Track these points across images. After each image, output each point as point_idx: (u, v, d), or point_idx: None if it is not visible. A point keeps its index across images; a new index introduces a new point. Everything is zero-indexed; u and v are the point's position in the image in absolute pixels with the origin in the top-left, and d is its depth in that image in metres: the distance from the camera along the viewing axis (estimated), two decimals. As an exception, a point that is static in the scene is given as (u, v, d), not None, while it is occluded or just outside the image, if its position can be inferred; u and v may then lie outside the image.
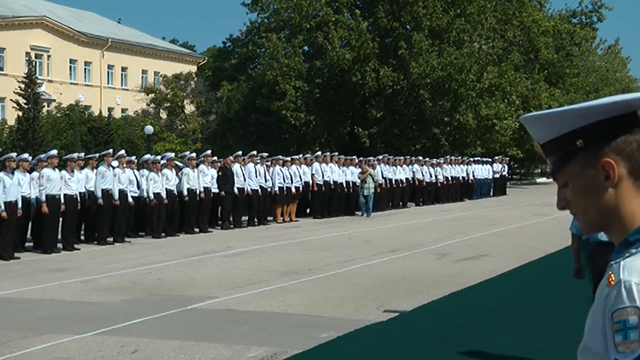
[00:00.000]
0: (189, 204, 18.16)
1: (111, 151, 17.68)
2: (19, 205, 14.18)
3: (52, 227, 14.98)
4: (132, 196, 16.94)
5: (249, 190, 20.02)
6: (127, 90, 52.85)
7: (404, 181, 27.28)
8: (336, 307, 9.06)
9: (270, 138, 34.61)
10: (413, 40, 33.74)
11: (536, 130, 1.53)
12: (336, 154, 24.96)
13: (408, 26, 36.12)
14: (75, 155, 16.56)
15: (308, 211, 23.18)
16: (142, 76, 55.88)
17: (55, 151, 15.87)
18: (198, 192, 18.41)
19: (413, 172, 28.16)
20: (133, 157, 18.08)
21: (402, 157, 28.30)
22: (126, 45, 55.32)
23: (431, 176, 29.13)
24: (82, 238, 16.41)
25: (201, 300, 9.47)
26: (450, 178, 30.61)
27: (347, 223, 20.77)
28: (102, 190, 16.02)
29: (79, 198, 15.70)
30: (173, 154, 19.66)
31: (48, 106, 41.60)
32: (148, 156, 19.89)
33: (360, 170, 23.97)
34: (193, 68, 54.36)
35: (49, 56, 49.88)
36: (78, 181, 15.72)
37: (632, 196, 1.44)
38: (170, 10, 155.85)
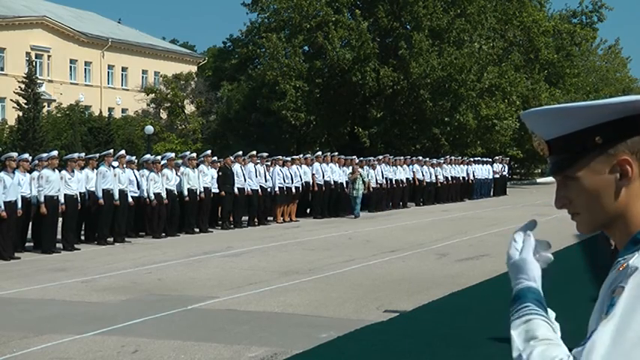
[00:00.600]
0: (189, 204, 18.17)
1: (111, 151, 17.68)
2: (19, 205, 14.19)
3: (51, 228, 14.99)
4: (132, 196, 16.94)
5: (249, 190, 20.02)
6: (127, 90, 52.86)
7: (404, 181, 27.28)
8: (336, 307, 9.06)
9: (270, 138, 34.62)
10: (413, 40, 33.74)
11: (545, 126, 1.50)
12: (336, 154, 24.97)
13: (408, 26, 36.12)
14: (75, 155, 16.56)
15: (308, 211, 23.18)
16: (142, 76, 55.89)
17: (55, 152, 15.87)
18: (198, 192, 18.42)
19: (413, 172, 28.17)
20: (133, 157, 18.09)
21: (402, 157, 28.31)
22: (126, 45, 55.32)
23: (431, 176, 29.13)
24: (83, 238, 16.41)
25: (201, 300, 9.47)
26: (450, 178, 30.61)
27: (347, 223, 20.77)
28: (102, 190, 16.03)
29: (79, 198, 15.71)
30: (173, 154, 19.66)
31: (48, 106, 41.59)
32: (147, 156, 19.90)
33: (350, 171, 23.65)
34: (193, 68, 54.36)
35: (49, 56, 49.88)
36: (78, 181, 15.73)
37: (639, 196, 1.43)
38: (170, 10, 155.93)
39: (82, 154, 17.28)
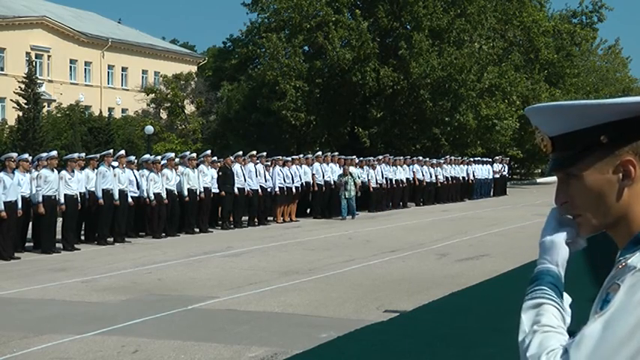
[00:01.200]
0: (189, 204, 18.17)
1: (111, 151, 17.68)
2: (20, 205, 14.19)
3: (51, 228, 14.99)
4: (132, 196, 16.94)
5: (249, 190, 20.03)
6: (127, 90, 52.87)
7: (404, 181, 27.28)
8: (336, 307, 9.06)
9: (270, 138, 34.61)
10: (413, 40, 33.74)
11: (550, 122, 1.49)
12: (336, 154, 24.95)
13: (408, 26, 36.11)
14: (75, 155, 16.56)
15: (308, 211, 23.18)
16: (142, 76, 55.90)
17: (55, 152, 15.87)
18: (198, 192, 18.42)
19: (413, 172, 28.17)
20: (133, 157, 18.08)
21: (402, 157, 28.30)
22: (126, 45, 55.33)
23: (431, 176, 29.13)
24: (83, 238, 16.41)
25: (201, 300, 9.48)
26: (450, 178, 30.60)
27: (347, 223, 20.77)
28: (102, 190, 16.03)
29: (79, 198, 15.71)
30: (173, 154, 19.65)
31: (48, 106, 41.61)
32: (147, 156, 19.90)
33: (341, 171, 23.05)
34: (193, 68, 54.37)
35: (49, 56, 49.89)
36: (78, 181, 15.73)
37: None
38: (170, 10, 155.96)
39: (82, 154, 17.28)
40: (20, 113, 30.94)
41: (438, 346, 7.09)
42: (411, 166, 28.23)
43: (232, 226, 19.57)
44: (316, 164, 23.01)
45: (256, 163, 20.67)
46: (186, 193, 18.11)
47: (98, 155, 17.41)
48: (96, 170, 16.23)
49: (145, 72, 56.50)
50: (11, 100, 33.89)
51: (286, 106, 33.66)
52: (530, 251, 14.05)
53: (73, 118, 35.11)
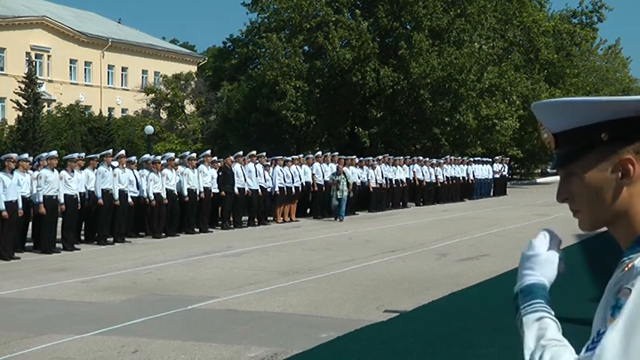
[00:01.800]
0: (189, 204, 18.17)
1: (111, 151, 17.68)
2: (20, 205, 14.19)
3: (51, 228, 14.98)
4: (132, 197, 16.94)
5: (249, 190, 20.02)
6: (127, 90, 52.86)
7: (404, 181, 27.28)
8: (336, 307, 9.06)
9: (270, 138, 34.61)
10: (413, 40, 33.74)
11: (554, 118, 1.48)
12: (336, 154, 24.94)
13: (408, 26, 36.11)
14: (75, 155, 16.55)
15: (308, 211, 23.17)
16: (142, 76, 55.90)
17: (55, 152, 15.86)
18: (198, 192, 18.42)
19: (413, 172, 28.17)
20: (133, 157, 18.08)
21: (402, 157, 28.30)
22: (126, 45, 55.33)
23: (431, 176, 29.13)
24: (82, 238, 16.41)
25: (201, 300, 9.47)
26: (450, 178, 30.61)
27: (347, 223, 20.76)
28: (102, 190, 16.03)
29: (79, 198, 15.70)
30: (173, 154, 19.65)
31: (48, 106, 41.59)
32: (147, 156, 19.89)
33: (334, 171, 22.47)
34: (193, 68, 54.36)
35: (49, 56, 49.88)
36: (78, 181, 15.72)
37: None
38: (170, 10, 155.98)
39: (82, 154, 17.27)
40: (20, 113, 30.93)
41: (438, 346, 7.09)
42: (411, 166, 28.24)
43: (232, 226, 19.57)
44: (316, 164, 23.00)
45: (256, 163, 20.67)
46: (186, 193, 18.10)
47: (98, 155, 17.40)
48: (95, 170, 16.23)
49: (144, 72, 56.49)
50: (11, 100, 33.88)
51: (286, 106, 33.66)
52: (530, 251, 14.06)
53: (73, 118, 35.10)
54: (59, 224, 15.34)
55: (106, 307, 9.16)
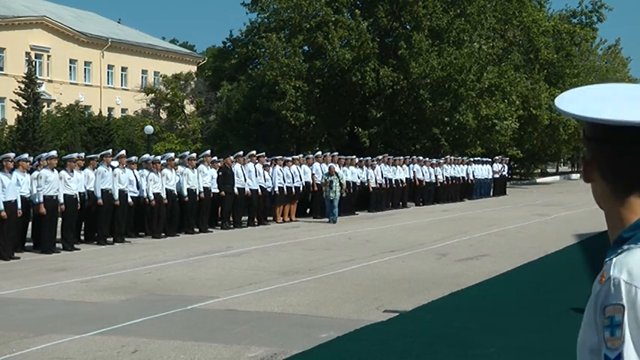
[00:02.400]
0: (189, 204, 18.17)
1: (110, 151, 17.67)
2: (19, 205, 14.18)
3: (51, 228, 14.98)
4: (132, 197, 16.93)
5: (249, 190, 20.01)
6: (127, 90, 52.85)
7: (404, 181, 27.28)
8: (336, 307, 9.06)
9: (270, 138, 34.59)
10: (413, 40, 33.73)
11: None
12: (336, 154, 24.93)
13: (408, 26, 36.10)
14: (74, 155, 16.54)
15: (308, 211, 23.16)
16: (142, 76, 55.89)
17: (54, 152, 15.85)
18: (197, 192, 18.42)
19: (413, 172, 28.17)
20: (133, 157, 18.07)
21: (401, 157, 28.30)
22: (126, 45, 55.32)
23: (431, 176, 29.13)
24: (82, 238, 16.41)
25: (201, 300, 9.47)
26: (450, 178, 30.62)
27: (347, 223, 20.75)
28: (101, 190, 16.02)
29: (78, 198, 15.69)
30: (173, 154, 19.65)
31: (48, 106, 41.57)
32: (147, 156, 19.88)
33: (327, 171, 21.94)
34: (193, 68, 54.36)
35: (48, 56, 49.88)
36: (78, 181, 15.72)
37: (622, 198, 1.44)
38: (170, 10, 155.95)
39: (82, 154, 17.26)
40: (20, 113, 30.93)
41: (437, 346, 7.09)
42: (410, 166, 28.23)
43: (232, 226, 19.56)
44: (316, 164, 22.99)
45: (256, 163, 20.66)
46: (185, 193, 18.10)
47: (98, 155, 17.40)
48: (95, 170, 16.22)
49: (144, 72, 56.50)
50: (11, 100, 33.88)
51: (286, 106, 33.65)
52: (529, 251, 14.07)
53: (73, 118, 35.10)
54: (59, 224, 15.34)
55: (106, 307, 9.16)
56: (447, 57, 33.50)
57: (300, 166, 22.47)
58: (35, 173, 14.83)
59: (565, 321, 7.48)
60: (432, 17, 34.51)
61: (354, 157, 25.50)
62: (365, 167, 25.20)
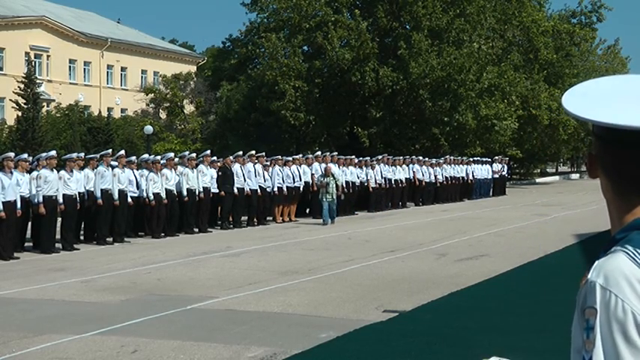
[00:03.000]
0: (188, 204, 18.16)
1: (110, 151, 17.67)
2: (19, 205, 14.18)
3: (51, 228, 14.98)
4: (131, 196, 16.93)
5: (248, 190, 20.01)
6: (127, 90, 52.86)
7: (403, 181, 27.28)
8: (335, 307, 9.06)
9: (270, 138, 34.59)
10: (412, 40, 33.72)
11: None
12: (336, 154, 24.93)
13: (407, 26, 36.10)
14: (74, 155, 16.54)
15: (308, 211, 23.16)
16: (142, 76, 55.89)
17: (54, 152, 15.85)
18: (197, 192, 18.41)
19: (413, 172, 28.17)
20: (133, 157, 18.07)
21: (401, 157, 28.30)
22: (125, 45, 55.31)
23: (430, 176, 29.13)
24: (82, 238, 16.40)
25: (200, 300, 9.47)
26: (449, 178, 30.62)
27: (347, 223, 20.75)
28: (101, 190, 16.02)
29: (78, 198, 15.69)
30: (172, 154, 19.64)
31: (47, 106, 41.57)
32: (146, 156, 19.88)
33: (323, 172, 21.53)
34: (193, 68, 54.37)
35: (48, 56, 49.87)
36: (77, 181, 15.71)
37: (618, 199, 1.46)
38: (170, 10, 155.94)
39: (81, 154, 17.26)
40: (19, 113, 30.93)
41: (437, 346, 7.09)
42: (410, 166, 28.23)
43: (232, 226, 19.56)
44: (316, 164, 22.99)
45: (255, 163, 20.66)
46: (185, 193, 18.10)
47: (97, 155, 17.39)
48: (95, 170, 16.22)
49: (144, 72, 56.49)
50: (10, 100, 33.87)
51: (285, 106, 33.65)
52: (529, 251, 14.07)
53: (72, 118, 35.10)
54: (58, 224, 15.34)
55: (105, 307, 9.16)
56: (447, 57, 33.50)
57: (300, 166, 22.47)
58: (35, 173, 14.82)
59: (565, 321, 7.47)
60: (432, 17, 34.50)
61: (353, 157, 25.50)
62: (364, 167, 25.19)
